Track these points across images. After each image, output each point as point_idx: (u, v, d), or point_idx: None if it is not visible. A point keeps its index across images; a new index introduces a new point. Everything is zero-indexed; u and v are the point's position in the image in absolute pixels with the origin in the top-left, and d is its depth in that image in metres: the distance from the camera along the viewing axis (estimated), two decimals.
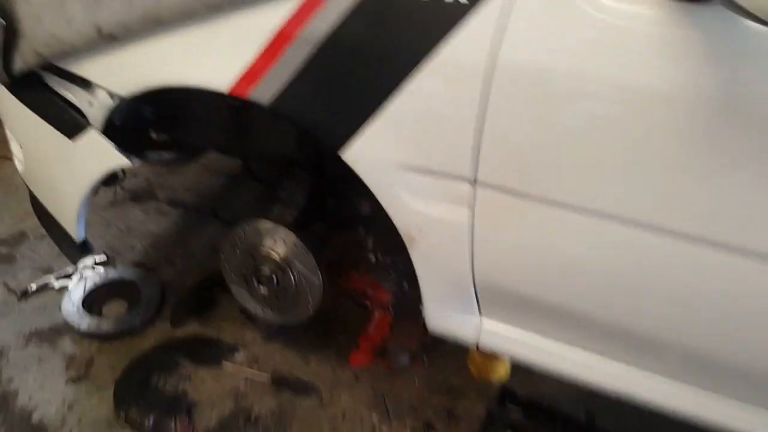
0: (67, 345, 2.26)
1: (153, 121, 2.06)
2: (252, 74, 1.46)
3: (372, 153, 1.43)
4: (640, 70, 1.17)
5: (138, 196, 2.95)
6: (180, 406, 2.03)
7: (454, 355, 2.26)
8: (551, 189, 1.32)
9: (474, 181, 1.37)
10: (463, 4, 1.24)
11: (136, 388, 2.08)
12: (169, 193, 3.00)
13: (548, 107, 1.25)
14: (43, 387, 2.10)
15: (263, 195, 2.94)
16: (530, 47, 1.23)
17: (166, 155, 2.27)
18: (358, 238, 2.27)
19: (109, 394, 2.07)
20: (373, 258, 2.28)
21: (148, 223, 2.83)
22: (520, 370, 2.07)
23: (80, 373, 2.15)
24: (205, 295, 2.44)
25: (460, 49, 1.26)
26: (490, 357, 2.16)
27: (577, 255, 1.39)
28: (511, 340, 1.64)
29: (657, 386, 1.54)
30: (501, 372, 2.19)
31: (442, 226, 1.46)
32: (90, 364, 2.19)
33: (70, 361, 2.20)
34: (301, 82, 1.43)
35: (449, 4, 1.25)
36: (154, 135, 2.30)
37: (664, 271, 1.32)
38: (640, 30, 1.16)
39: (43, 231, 2.23)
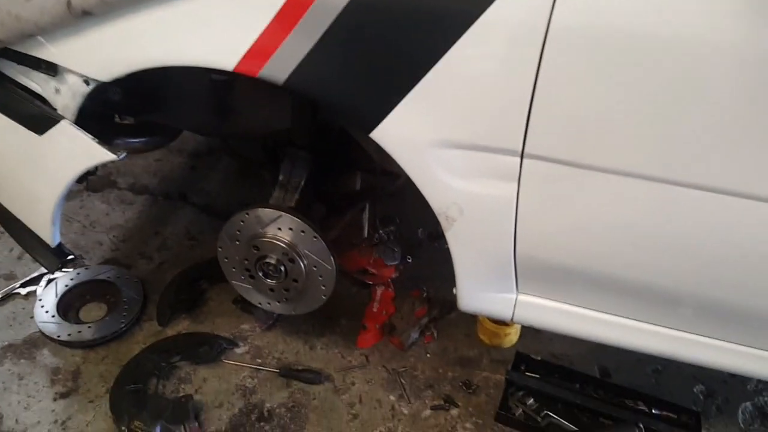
0: (47, 357, 2.06)
1: (120, 104, 1.85)
2: (262, 48, 1.29)
3: (407, 131, 1.31)
4: (712, 25, 1.08)
5: (96, 186, 2.70)
6: (186, 410, 1.88)
7: (461, 322, 2.20)
8: (608, 157, 1.24)
9: (522, 154, 1.27)
10: None
11: (134, 397, 1.92)
12: (130, 179, 2.77)
13: (607, 69, 1.15)
14: (30, 407, 1.91)
15: (242, 175, 2.76)
16: (587, 4, 1.12)
17: (135, 142, 2.05)
18: (356, 215, 2.16)
19: (105, 406, 1.91)
20: (375, 234, 2.19)
21: (113, 215, 2.60)
22: (530, 331, 2.04)
23: (68, 386, 1.97)
24: (192, 288, 2.27)
25: (511, 8, 1.14)
26: (500, 322, 2.11)
27: (633, 221, 1.32)
28: (547, 312, 1.58)
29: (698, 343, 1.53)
30: (512, 336, 2.16)
31: (486, 204, 1.36)
32: (77, 375, 2.00)
33: (54, 374, 2.00)
34: (322, 55, 1.27)
35: None
36: (118, 119, 2.10)
37: (732, 232, 1.27)
38: None
39: None
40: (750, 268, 1.34)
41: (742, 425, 1.96)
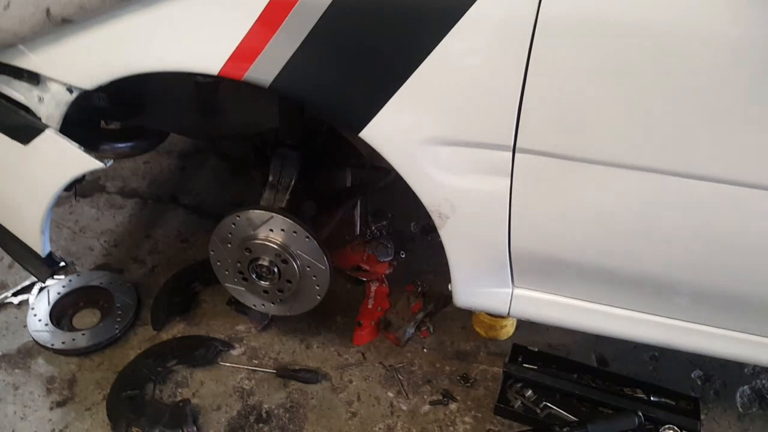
0: (42, 366, 2.04)
1: (105, 109, 1.83)
2: (247, 51, 1.27)
3: (397, 129, 1.29)
4: (701, 11, 1.07)
5: (85, 190, 2.68)
6: (184, 415, 1.87)
7: (457, 316, 2.20)
8: (600, 148, 1.24)
9: (513, 149, 1.26)
10: None
11: (131, 404, 1.91)
12: (119, 183, 2.75)
13: (598, 59, 1.14)
14: (26, 417, 1.90)
15: (232, 174, 2.74)
16: None
17: (122, 147, 2.03)
18: (347, 212, 2.15)
19: (102, 413, 1.90)
20: (367, 230, 2.18)
21: (103, 220, 2.58)
22: (526, 322, 2.04)
23: (64, 395, 1.96)
24: (186, 290, 2.26)
25: (498, 1, 1.12)
26: (496, 315, 2.11)
27: (627, 212, 1.32)
28: (543, 305, 1.58)
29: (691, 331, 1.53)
30: (508, 328, 2.16)
31: (479, 200, 1.35)
32: (73, 383, 1.99)
33: (49, 383, 1.99)
34: (307, 57, 1.25)
35: None
36: (104, 124, 2.08)
37: (724, 219, 1.27)
38: None
39: None
40: (744, 254, 1.33)
41: (740, 409, 1.97)
